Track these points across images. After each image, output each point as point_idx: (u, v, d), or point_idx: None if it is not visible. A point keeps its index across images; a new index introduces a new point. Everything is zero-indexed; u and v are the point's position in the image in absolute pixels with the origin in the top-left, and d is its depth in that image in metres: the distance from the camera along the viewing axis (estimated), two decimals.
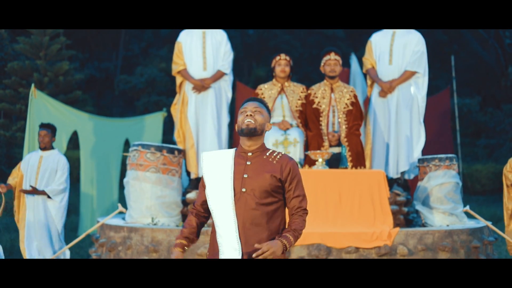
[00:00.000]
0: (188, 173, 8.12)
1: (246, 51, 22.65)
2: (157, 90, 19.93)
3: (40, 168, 7.04)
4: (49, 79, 15.71)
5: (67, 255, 7.09)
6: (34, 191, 6.95)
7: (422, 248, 6.53)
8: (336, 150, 7.48)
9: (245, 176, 3.45)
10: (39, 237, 6.99)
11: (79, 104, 15.40)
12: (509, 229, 6.65)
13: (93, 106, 18.38)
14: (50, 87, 15.59)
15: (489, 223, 7.15)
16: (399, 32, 7.95)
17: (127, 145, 10.04)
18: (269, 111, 3.62)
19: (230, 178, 3.45)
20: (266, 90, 7.80)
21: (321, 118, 7.63)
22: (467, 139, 18.53)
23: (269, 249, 3.26)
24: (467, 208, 7.17)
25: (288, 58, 7.78)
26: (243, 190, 3.42)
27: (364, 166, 7.47)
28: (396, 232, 6.55)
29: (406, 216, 7.69)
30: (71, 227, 10.04)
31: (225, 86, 8.06)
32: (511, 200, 6.60)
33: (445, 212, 7.22)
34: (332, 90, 7.72)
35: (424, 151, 8.13)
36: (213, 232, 3.53)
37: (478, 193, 15.98)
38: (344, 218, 6.73)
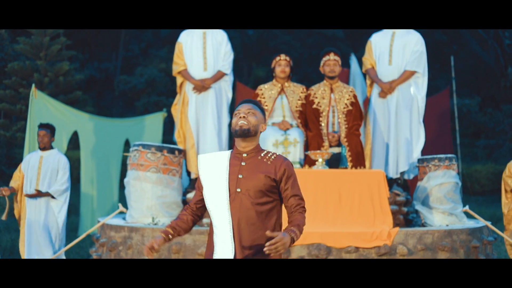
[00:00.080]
0: (189, 173, 8.14)
1: (245, 51, 22.67)
2: (157, 91, 19.94)
3: (41, 168, 7.05)
4: (49, 80, 15.72)
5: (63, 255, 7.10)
6: (39, 194, 6.97)
7: (421, 248, 6.54)
8: (336, 150, 7.50)
9: (240, 176, 3.51)
10: (40, 237, 7.00)
11: (79, 105, 15.42)
12: (509, 227, 6.67)
13: (93, 107, 18.39)
14: (50, 87, 15.60)
15: (488, 223, 7.16)
16: (399, 32, 7.96)
17: (127, 145, 10.06)
18: (263, 112, 3.69)
19: (226, 178, 3.51)
20: (266, 90, 7.82)
21: (321, 119, 7.64)
22: (467, 139, 18.55)
23: (281, 240, 3.28)
24: (467, 208, 7.18)
25: (288, 58, 7.80)
26: (238, 190, 3.48)
27: (364, 166, 7.48)
28: (395, 232, 6.56)
29: (406, 216, 7.70)
30: (71, 227, 10.05)
31: (226, 86, 8.07)
32: (507, 206, 6.61)
33: (445, 212, 7.23)
34: (331, 90, 7.74)
35: (424, 151, 8.15)
36: (211, 232, 3.59)
37: (478, 193, 15.99)
38: (344, 218, 6.75)
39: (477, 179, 16.16)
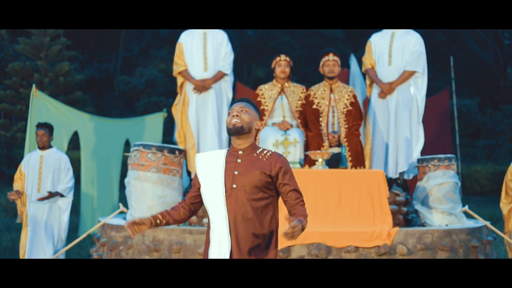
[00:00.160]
0: (189, 173, 8.16)
1: (245, 52, 22.68)
2: (157, 91, 19.94)
3: (42, 168, 7.08)
4: (50, 80, 15.74)
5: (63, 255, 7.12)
6: (50, 196, 7.02)
7: (421, 247, 6.55)
8: (336, 150, 7.51)
9: (236, 173, 3.59)
10: (42, 236, 7.01)
11: (79, 105, 15.43)
12: (509, 227, 6.69)
13: (93, 107, 18.40)
14: (50, 87, 15.62)
15: (487, 223, 7.17)
16: (398, 32, 7.97)
17: (127, 145, 10.07)
18: (257, 110, 3.76)
19: (222, 175, 3.59)
20: (267, 90, 7.83)
21: (320, 119, 7.65)
22: (466, 139, 18.56)
23: (297, 226, 3.34)
24: (466, 207, 7.19)
25: (288, 59, 7.81)
26: (234, 186, 3.56)
27: (364, 166, 7.49)
28: (395, 232, 6.57)
29: (406, 215, 7.71)
30: (71, 227, 10.03)
31: (226, 86, 8.09)
32: (507, 207, 6.65)
33: (444, 212, 7.24)
34: (331, 90, 7.75)
35: (423, 152, 8.15)
36: (208, 228, 3.64)
37: (477, 193, 16.00)
38: (344, 217, 6.75)
39: (477, 179, 16.17)
